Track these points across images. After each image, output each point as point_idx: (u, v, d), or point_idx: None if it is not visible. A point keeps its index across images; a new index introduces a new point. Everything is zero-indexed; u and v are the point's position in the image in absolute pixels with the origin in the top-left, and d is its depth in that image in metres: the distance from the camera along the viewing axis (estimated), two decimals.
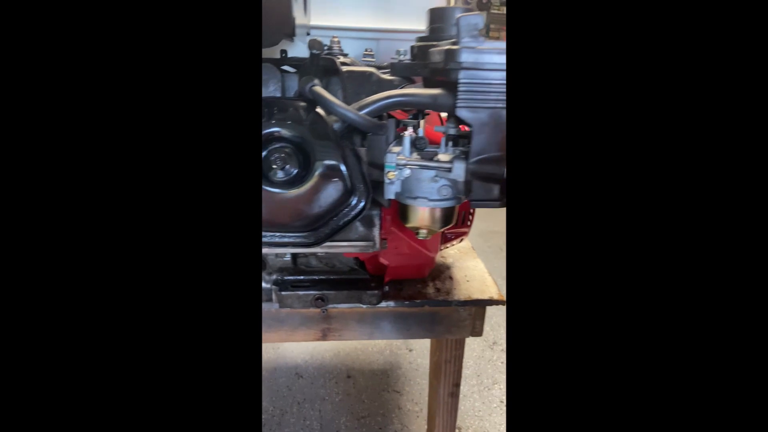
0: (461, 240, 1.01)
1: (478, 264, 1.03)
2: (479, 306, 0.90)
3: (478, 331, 0.93)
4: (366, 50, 0.76)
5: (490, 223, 3.05)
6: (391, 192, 0.64)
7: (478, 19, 0.51)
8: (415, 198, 0.63)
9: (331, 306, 0.84)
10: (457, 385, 1.03)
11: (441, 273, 0.97)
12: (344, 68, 0.67)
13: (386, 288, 0.88)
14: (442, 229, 0.68)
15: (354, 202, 0.66)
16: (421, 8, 0.75)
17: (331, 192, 0.66)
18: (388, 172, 0.60)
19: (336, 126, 0.62)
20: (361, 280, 0.86)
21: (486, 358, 1.76)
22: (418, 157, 0.63)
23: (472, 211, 0.93)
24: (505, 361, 1.73)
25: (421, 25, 0.75)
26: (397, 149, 0.63)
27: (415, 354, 1.76)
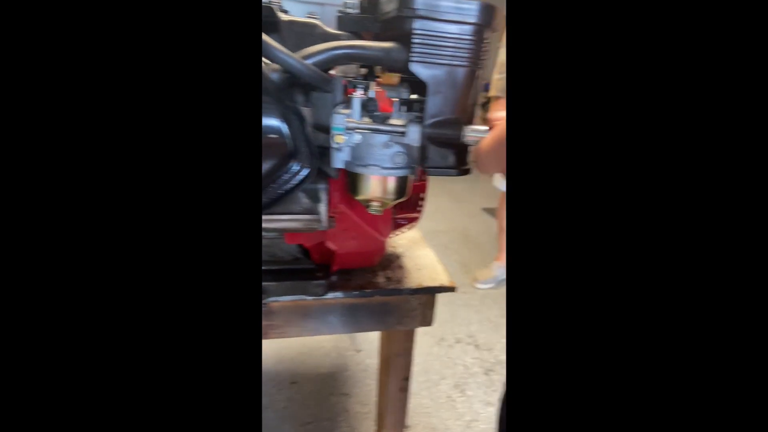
0: (412, 227, 0.98)
1: (428, 253, 1.01)
2: (430, 294, 0.87)
3: (428, 321, 0.90)
4: (309, 14, 0.69)
5: (434, 222, 3.08)
6: (339, 160, 0.57)
7: None
8: (366, 166, 0.57)
9: (272, 299, 0.76)
10: (407, 379, 1.00)
11: (391, 262, 0.94)
12: (284, 17, 0.59)
13: (334, 278, 0.82)
14: (395, 202, 0.63)
15: (296, 168, 0.57)
16: None
17: (268, 155, 0.56)
18: (336, 134, 0.54)
19: (274, 76, 0.54)
20: (305, 270, 0.80)
21: (434, 354, 1.75)
22: (369, 121, 0.57)
23: (423, 195, 0.90)
24: (452, 357, 1.74)
25: None
26: (345, 112, 0.56)
27: (364, 355, 1.70)
